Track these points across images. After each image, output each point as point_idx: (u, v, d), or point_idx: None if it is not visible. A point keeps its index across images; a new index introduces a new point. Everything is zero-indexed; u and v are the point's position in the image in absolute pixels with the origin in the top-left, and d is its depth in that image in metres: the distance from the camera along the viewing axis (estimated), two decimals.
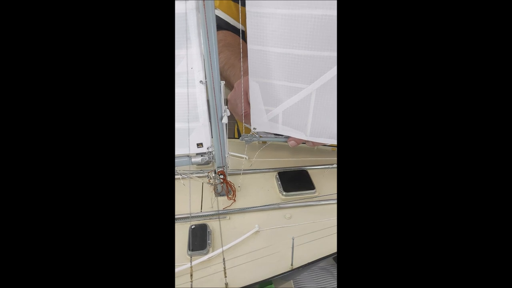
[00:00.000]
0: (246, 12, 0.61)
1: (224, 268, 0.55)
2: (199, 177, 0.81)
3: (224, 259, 0.54)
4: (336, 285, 0.96)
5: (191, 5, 0.52)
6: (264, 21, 0.60)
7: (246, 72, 0.69)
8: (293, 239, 0.58)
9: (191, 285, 0.55)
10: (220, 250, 0.61)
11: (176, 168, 0.73)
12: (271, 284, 0.62)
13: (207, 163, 0.76)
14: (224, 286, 0.57)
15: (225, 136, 0.67)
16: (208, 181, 0.76)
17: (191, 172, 0.79)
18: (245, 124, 0.82)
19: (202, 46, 0.55)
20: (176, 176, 0.76)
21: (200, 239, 0.64)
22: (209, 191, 0.78)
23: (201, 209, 0.74)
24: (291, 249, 0.60)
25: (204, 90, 0.61)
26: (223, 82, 0.60)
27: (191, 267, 0.54)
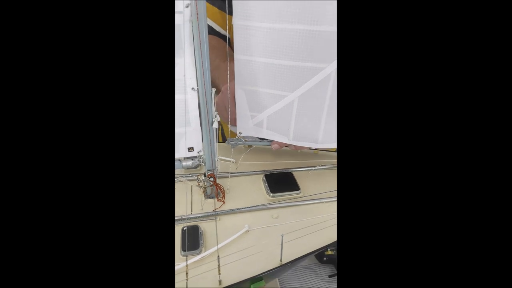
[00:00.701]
0: (234, 25, 0.65)
1: (219, 265, 0.58)
2: (189, 180, 0.83)
3: (218, 256, 0.57)
4: (320, 284, 1.00)
5: (186, 16, 0.56)
6: (250, 33, 0.65)
7: (232, 76, 0.73)
8: (282, 236, 0.62)
9: (187, 283, 0.57)
10: (213, 249, 0.64)
11: None
12: (261, 280, 0.65)
13: (196, 166, 0.79)
14: (218, 283, 0.60)
15: (215, 140, 0.71)
16: (197, 184, 0.79)
17: (182, 175, 0.81)
18: (231, 127, 0.85)
19: (195, 55, 0.59)
20: None
21: (192, 239, 0.67)
22: (198, 194, 0.81)
23: (192, 211, 0.76)
24: (279, 247, 0.64)
25: (195, 96, 0.64)
26: (214, 90, 0.64)
27: (186, 265, 0.56)
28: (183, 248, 0.65)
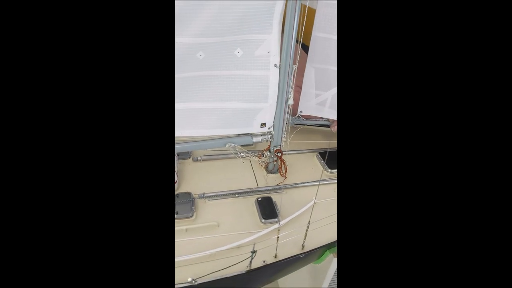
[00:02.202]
0: (318, 2, 0.67)
1: (306, 231, 0.62)
2: (248, 156, 0.86)
3: (309, 222, 0.61)
4: None
5: None
6: (333, 11, 0.67)
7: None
8: None
9: (277, 247, 0.62)
10: (290, 218, 0.68)
11: (236, 147, 0.78)
12: (335, 246, 0.70)
13: (249, 144, 0.81)
14: (300, 248, 0.64)
15: (285, 117, 0.74)
16: (258, 157, 0.82)
17: (244, 151, 0.84)
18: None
19: (286, 32, 0.61)
20: (236, 155, 0.81)
21: (269, 209, 0.71)
22: (258, 169, 0.84)
23: (257, 184, 0.80)
24: None
25: (276, 73, 0.66)
26: (295, 67, 0.66)
27: (278, 229, 0.60)
28: (264, 217, 0.69)
